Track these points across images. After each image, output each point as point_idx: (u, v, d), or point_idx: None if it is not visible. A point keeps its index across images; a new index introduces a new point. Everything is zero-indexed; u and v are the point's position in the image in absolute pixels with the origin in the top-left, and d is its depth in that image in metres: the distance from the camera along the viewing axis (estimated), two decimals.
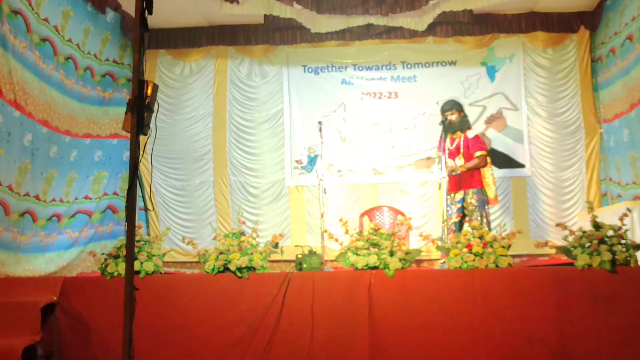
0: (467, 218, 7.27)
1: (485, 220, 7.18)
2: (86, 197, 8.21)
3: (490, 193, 7.36)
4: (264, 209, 9.76)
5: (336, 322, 4.89)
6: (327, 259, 6.58)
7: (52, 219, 7.40)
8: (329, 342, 4.85)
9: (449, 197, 7.18)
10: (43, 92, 7.12)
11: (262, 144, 9.96)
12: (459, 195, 7.33)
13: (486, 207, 7.34)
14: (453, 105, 7.56)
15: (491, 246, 4.99)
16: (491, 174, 7.46)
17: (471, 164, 7.32)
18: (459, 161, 7.40)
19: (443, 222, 6.97)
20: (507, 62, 9.81)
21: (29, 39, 6.80)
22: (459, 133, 7.48)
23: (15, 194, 6.59)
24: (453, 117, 7.47)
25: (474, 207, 7.24)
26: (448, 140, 7.26)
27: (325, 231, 6.21)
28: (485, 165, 7.41)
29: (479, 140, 7.49)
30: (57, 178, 7.50)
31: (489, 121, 9.77)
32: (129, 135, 3.18)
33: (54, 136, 7.39)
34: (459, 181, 7.36)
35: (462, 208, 7.31)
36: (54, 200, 7.44)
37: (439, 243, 5.57)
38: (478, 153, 7.38)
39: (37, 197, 7.06)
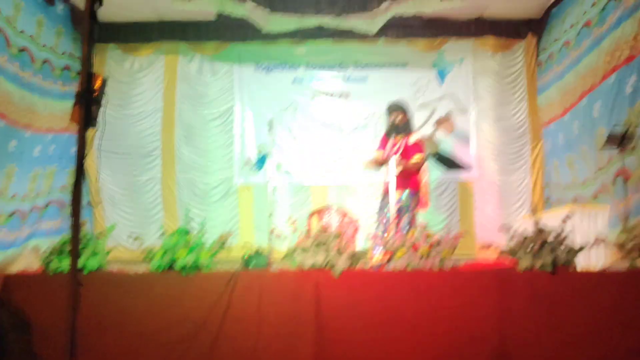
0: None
1: (412, 221, 7.21)
2: (38, 194, 8.11)
3: (423, 197, 7.45)
4: (211, 206, 9.72)
5: (282, 321, 4.89)
6: (275, 259, 6.57)
7: (12, 215, 7.28)
8: (274, 340, 4.85)
9: (385, 197, 7.28)
10: None
11: (211, 142, 9.91)
12: (398, 195, 7.30)
13: (416, 209, 7.41)
14: (398, 107, 7.57)
15: (437, 247, 5.05)
16: (426, 179, 7.54)
17: (405, 163, 7.32)
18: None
19: (386, 224, 7.06)
20: (456, 65, 9.95)
21: None
22: (402, 135, 7.49)
23: None
24: (398, 118, 7.49)
25: (406, 208, 7.28)
26: (391, 141, 7.30)
27: (273, 230, 6.20)
28: (419, 168, 7.46)
29: (419, 145, 7.47)
30: (19, 173, 7.36)
31: (438, 123, 9.87)
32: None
33: (11, 130, 7.25)
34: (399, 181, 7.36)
35: (399, 209, 7.31)
36: (14, 196, 7.33)
37: (384, 243, 5.61)
38: (416, 156, 7.35)
39: None
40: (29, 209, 7.81)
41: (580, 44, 8.00)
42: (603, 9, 7.35)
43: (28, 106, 7.61)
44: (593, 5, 7.66)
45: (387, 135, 7.55)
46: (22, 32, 7.51)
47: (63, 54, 8.59)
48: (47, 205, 8.38)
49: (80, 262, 5.00)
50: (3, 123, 7.05)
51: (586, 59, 7.82)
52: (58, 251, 5.19)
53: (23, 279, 5.33)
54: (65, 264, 5.04)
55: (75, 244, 3.08)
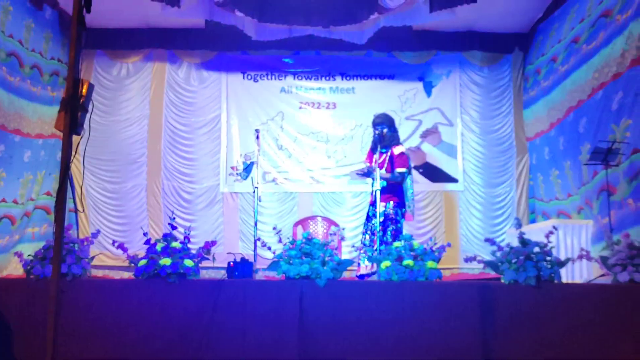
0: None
1: (397, 233, 7.16)
2: (29, 199, 8.07)
3: (409, 209, 7.38)
4: (197, 214, 9.69)
5: (266, 331, 4.87)
6: (259, 267, 6.56)
7: (1, 220, 7.24)
8: (258, 350, 4.83)
9: (372, 208, 7.28)
10: None
11: (198, 149, 9.90)
12: (383, 206, 7.25)
13: (402, 221, 7.37)
14: (384, 120, 7.48)
15: (422, 259, 5.05)
16: (412, 191, 7.47)
17: (387, 175, 7.32)
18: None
19: (371, 235, 7.05)
20: (443, 78, 10.02)
21: None
22: (387, 148, 7.44)
23: None
24: (384, 131, 7.43)
25: (391, 219, 7.24)
26: (377, 153, 7.28)
27: (259, 239, 6.19)
28: (401, 181, 7.39)
29: (403, 158, 7.37)
30: (7, 178, 7.31)
31: (424, 135, 9.93)
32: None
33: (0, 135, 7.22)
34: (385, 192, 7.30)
35: (384, 221, 7.25)
36: (3, 201, 7.29)
37: (370, 254, 5.62)
38: (398, 170, 7.30)
39: None
40: (20, 214, 7.75)
41: (568, 59, 8.04)
42: (592, 25, 7.38)
43: (17, 111, 7.57)
44: (581, 21, 7.71)
45: (373, 148, 7.51)
46: (10, 36, 7.47)
47: (52, 59, 8.57)
48: (33, 210, 8.34)
49: (63, 268, 4.96)
50: None
51: (574, 74, 7.87)
52: (42, 256, 5.15)
53: (5, 284, 5.28)
54: (48, 269, 5.00)
55: (58, 249, 3.05)
